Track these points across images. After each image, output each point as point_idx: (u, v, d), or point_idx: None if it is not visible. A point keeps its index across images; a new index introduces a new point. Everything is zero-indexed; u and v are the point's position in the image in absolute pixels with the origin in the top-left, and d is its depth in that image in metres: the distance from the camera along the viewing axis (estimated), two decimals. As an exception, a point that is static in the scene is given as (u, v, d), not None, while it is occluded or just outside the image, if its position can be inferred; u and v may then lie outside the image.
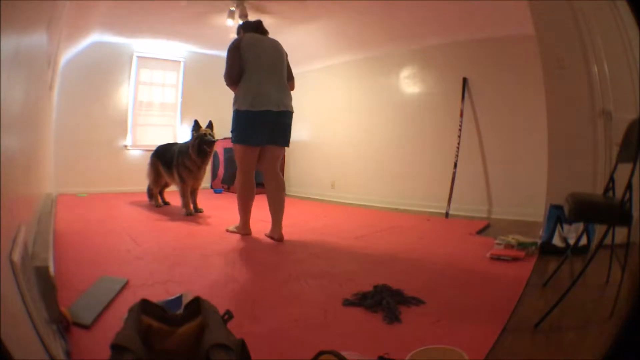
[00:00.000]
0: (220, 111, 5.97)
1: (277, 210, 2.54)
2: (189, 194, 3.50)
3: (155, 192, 3.91)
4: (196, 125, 3.44)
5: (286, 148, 2.69)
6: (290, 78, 2.63)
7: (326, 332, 1.22)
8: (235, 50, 2.45)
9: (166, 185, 3.98)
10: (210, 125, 3.50)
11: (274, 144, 2.54)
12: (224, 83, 2.54)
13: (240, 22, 3.94)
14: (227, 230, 2.71)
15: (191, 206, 3.50)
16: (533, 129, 3.38)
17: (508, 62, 3.66)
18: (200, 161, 3.43)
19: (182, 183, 3.45)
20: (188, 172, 3.45)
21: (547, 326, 1.25)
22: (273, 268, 1.91)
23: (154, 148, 3.96)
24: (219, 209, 3.89)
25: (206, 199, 4.38)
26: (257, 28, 2.62)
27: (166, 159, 3.64)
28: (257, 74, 2.42)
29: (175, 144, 3.80)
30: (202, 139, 3.36)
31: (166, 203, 4.01)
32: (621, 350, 0.69)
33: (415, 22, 3.95)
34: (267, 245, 2.39)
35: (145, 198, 4.03)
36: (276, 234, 2.52)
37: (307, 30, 4.42)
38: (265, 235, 2.59)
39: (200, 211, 3.56)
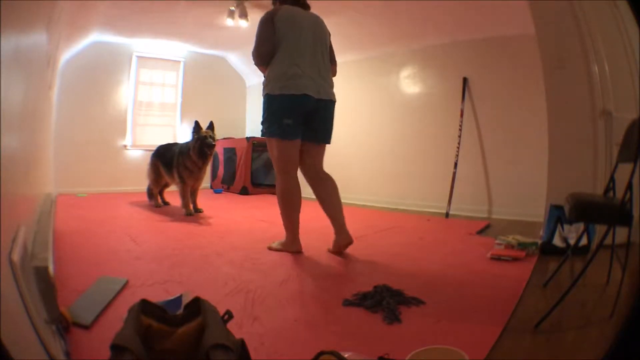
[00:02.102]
0: (220, 111, 6.01)
1: (335, 213, 2.16)
2: (189, 194, 3.50)
3: (155, 192, 3.91)
4: (197, 127, 3.43)
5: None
6: (332, 62, 2.27)
7: (326, 332, 1.22)
8: (268, 23, 2.06)
9: (166, 185, 3.99)
10: (211, 126, 3.49)
11: (312, 141, 2.16)
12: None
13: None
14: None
15: (191, 206, 3.50)
16: (533, 129, 3.39)
17: (508, 62, 3.66)
18: (201, 162, 3.44)
19: (182, 183, 3.46)
20: (188, 173, 3.45)
21: (548, 326, 1.25)
22: (273, 268, 1.91)
23: (154, 148, 3.96)
24: (219, 209, 3.89)
25: (206, 199, 4.38)
26: (296, 0, 2.20)
27: (166, 159, 3.65)
28: (294, 52, 2.04)
29: (175, 144, 3.80)
30: (203, 141, 3.37)
31: (166, 203, 4.01)
32: (621, 350, 0.69)
33: (415, 22, 3.95)
34: (267, 245, 2.38)
35: (145, 198, 4.03)
36: (342, 236, 2.13)
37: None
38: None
39: (200, 211, 3.56)
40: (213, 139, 3.44)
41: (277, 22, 2.06)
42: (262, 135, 2.16)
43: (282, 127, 2.05)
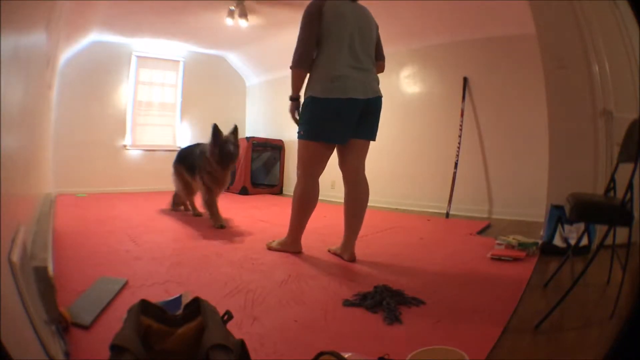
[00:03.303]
0: (220, 111, 6.01)
1: (353, 222, 2.08)
2: (216, 202, 3.08)
3: (185, 200, 3.58)
4: (216, 130, 2.90)
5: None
6: (380, 57, 2.10)
7: (326, 333, 1.21)
8: (314, 17, 1.89)
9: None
10: (234, 131, 3.03)
11: (355, 137, 2.03)
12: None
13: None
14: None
15: (223, 219, 3.02)
16: (534, 129, 3.39)
17: (508, 61, 3.66)
18: (221, 170, 3.02)
19: (208, 193, 3.02)
20: (212, 179, 3.01)
21: (548, 327, 1.25)
22: (273, 268, 1.91)
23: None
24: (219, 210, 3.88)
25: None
26: None
27: (189, 163, 3.26)
28: (339, 49, 1.89)
29: (198, 144, 3.29)
30: (222, 148, 2.89)
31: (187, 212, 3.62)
32: (622, 350, 0.69)
33: (415, 22, 3.94)
34: (266, 243, 2.38)
35: (147, 199, 4.00)
36: (347, 253, 2.06)
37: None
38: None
39: (200, 215, 3.44)
40: (235, 145, 2.95)
41: (325, 14, 1.89)
42: (298, 137, 2.04)
43: (323, 132, 1.96)
